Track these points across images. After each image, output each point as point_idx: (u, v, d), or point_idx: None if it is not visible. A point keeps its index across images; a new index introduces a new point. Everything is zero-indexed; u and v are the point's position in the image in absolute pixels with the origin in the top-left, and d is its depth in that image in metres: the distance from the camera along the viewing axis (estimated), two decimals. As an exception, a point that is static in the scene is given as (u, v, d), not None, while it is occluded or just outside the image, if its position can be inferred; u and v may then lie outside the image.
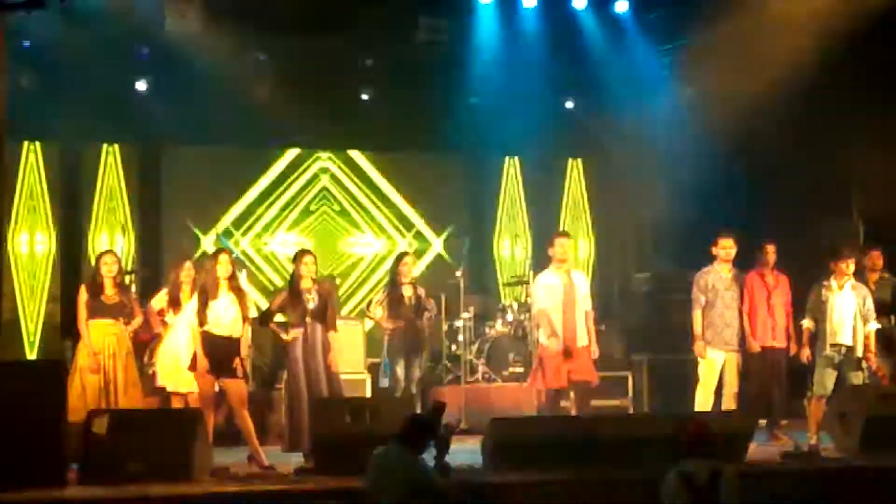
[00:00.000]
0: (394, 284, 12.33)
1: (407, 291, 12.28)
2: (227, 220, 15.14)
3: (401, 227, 15.84)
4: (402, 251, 13.19)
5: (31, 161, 14.54)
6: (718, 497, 7.32)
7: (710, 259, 11.55)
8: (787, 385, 11.74)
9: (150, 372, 11.35)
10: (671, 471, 7.39)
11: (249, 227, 15.31)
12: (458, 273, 13.35)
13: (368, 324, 13.21)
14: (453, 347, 13.58)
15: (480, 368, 13.58)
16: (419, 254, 15.24)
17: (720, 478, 7.33)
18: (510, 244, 16.18)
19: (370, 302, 12.53)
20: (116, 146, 14.86)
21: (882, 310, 11.34)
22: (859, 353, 10.98)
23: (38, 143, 14.51)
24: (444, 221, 15.76)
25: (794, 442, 10.84)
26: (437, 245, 15.87)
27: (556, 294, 10.99)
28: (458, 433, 12.17)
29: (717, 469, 7.36)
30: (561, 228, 11.94)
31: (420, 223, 15.88)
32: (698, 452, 7.43)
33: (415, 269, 12.55)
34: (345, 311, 14.88)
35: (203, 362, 9.89)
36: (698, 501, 7.26)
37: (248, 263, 14.75)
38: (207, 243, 14.87)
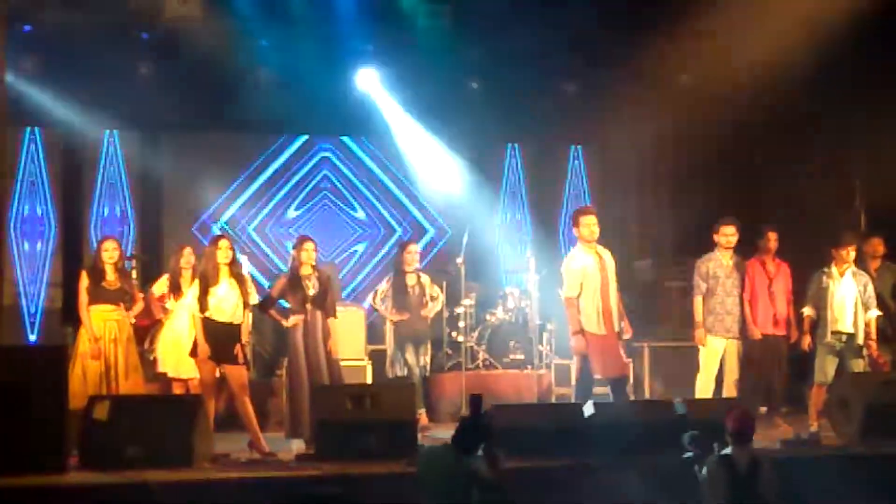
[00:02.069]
0: (397, 273, 12.30)
1: (411, 280, 12.26)
2: (226, 207, 15.12)
3: (401, 214, 15.81)
4: (405, 240, 13.12)
5: (32, 146, 14.53)
6: (757, 486, 7.36)
7: (712, 246, 11.54)
8: (788, 372, 11.74)
9: (151, 358, 11.37)
10: (713, 456, 7.44)
11: (249, 214, 15.29)
12: (459, 260, 13.33)
13: (368, 310, 13.19)
14: (454, 334, 13.56)
15: (481, 355, 13.57)
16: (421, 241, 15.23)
17: (760, 467, 7.38)
18: (511, 231, 16.15)
19: (375, 292, 12.45)
20: (117, 132, 14.84)
21: (882, 297, 11.36)
22: (860, 340, 10.99)
23: (38, 129, 14.49)
24: (445, 208, 15.71)
25: (794, 429, 10.84)
26: (436, 232, 15.84)
27: (593, 276, 10.61)
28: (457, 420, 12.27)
29: (757, 458, 7.40)
30: (583, 206, 11.29)
31: (421, 210, 15.84)
32: (740, 440, 7.47)
33: (418, 257, 12.47)
34: (346, 295, 14.88)
35: (204, 348, 9.90)
36: (737, 488, 7.30)
37: (247, 249, 14.73)
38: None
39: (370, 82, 14.73)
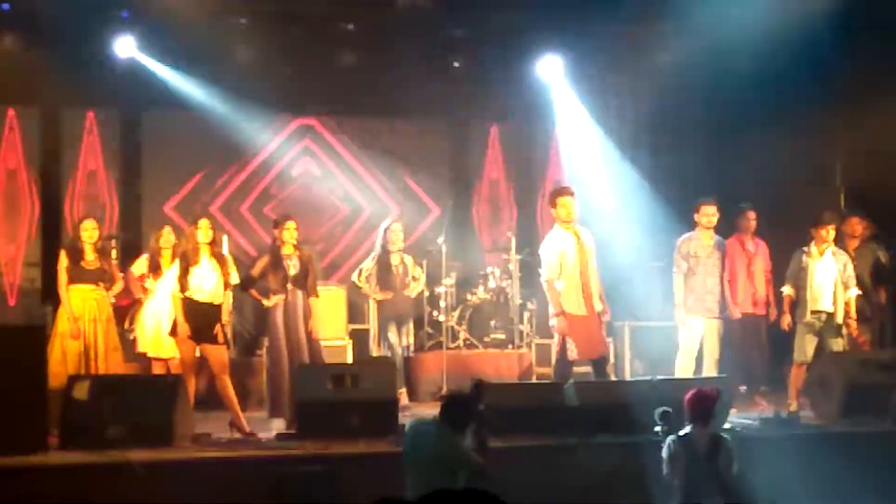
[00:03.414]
0: (382, 253, 12.28)
1: (395, 260, 12.25)
2: (207, 187, 15.05)
3: (383, 194, 15.77)
4: (388, 219, 13.10)
5: (11, 125, 14.44)
6: (717, 464, 7.45)
7: (692, 225, 11.56)
8: (768, 352, 11.78)
9: (131, 338, 11.37)
10: (674, 436, 7.53)
11: (230, 194, 15.24)
12: (440, 240, 13.32)
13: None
14: (435, 314, 13.56)
15: (462, 335, 13.58)
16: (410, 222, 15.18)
17: (719, 446, 7.47)
18: (492, 210, 16.13)
19: (360, 271, 12.42)
20: (97, 110, 14.76)
21: (862, 277, 11.40)
22: (840, 319, 11.03)
23: (17, 107, 14.40)
24: (425, 188, 15.68)
25: (774, 408, 10.89)
26: (420, 211, 15.79)
27: (572, 257, 10.64)
28: (438, 399, 12.30)
29: (716, 437, 7.50)
30: (560, 186, 11.26)
31: (402, 189, 15.80)
32: (699, 420, 7.56)
33: (402, 236, 12.44)
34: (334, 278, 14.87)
35: (184, 328, 9.89)
36: (696, 467, 7.40)
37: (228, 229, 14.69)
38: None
39: (353, 62, 14.67)
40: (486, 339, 13.62)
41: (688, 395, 7.84)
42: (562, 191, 11.04)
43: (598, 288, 10.76)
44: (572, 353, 10.59)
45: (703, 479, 7.53)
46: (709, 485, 7.52)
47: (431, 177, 15.56)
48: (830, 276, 11.04)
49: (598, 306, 10.72)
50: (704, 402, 7.76)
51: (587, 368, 11.19)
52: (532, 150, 16.30)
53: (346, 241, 15.48)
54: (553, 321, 10.71)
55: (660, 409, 7.91)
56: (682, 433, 7.68)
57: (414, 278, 12.39)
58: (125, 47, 13.73)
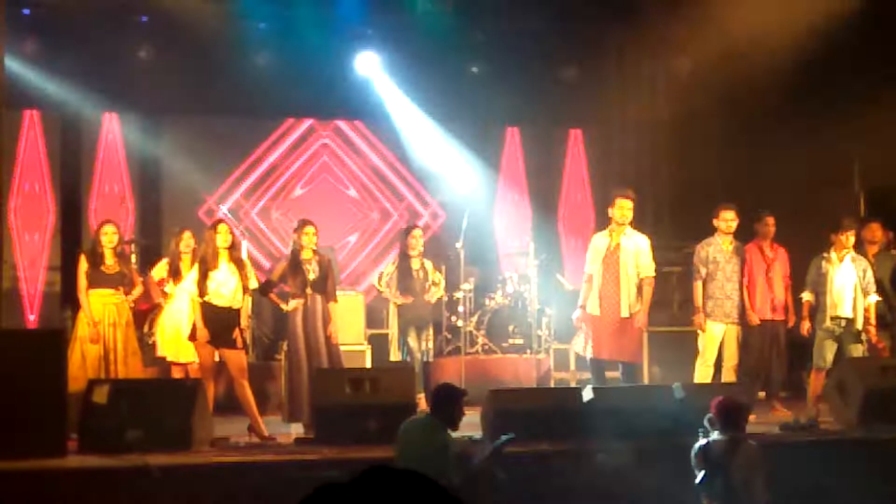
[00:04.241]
0: (402, 258, 12.32)
1: (415, 265, 12.28)
2: (226, 191, 15.09)
3: (402, 198, 15.78)
4: (409, 224, 13.10)
5: (31, 129, 14.50)
6: (731, 466, 7.54)
7: (711, 231, 11.54)
8: (787, 358, 11.74)
9: (151, 342, 11.40)
10: (698, 442, 7.67)
11: (249, 198, 15.27)
12: (458, 245, 13.32)
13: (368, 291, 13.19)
14: (453, 319, 13.56)
15: (480, 340, 13.58)
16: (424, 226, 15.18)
17: (737, 451, 7.56)
18: (510, 215, 16.11)
19: (380, 276, 12.48)
20: (116, 115, 14.80)
21: (882, 283, 11.36)
22: (859, 325, 10.99)
23: (38, 111, 14.46)
24: (444, 192, 15.68)
25: (792, 414, 10.86)
26: (436, 215, 15.81)
27: (598, 258, 10.83)
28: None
29: (735, 441, 7.58)
30: (620, 188, 11.33)
31: (420, 194, 15.81)
32: (723, 426, 7.65)
33: (422, 241, 12.47)
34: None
35: (203, 333, 9.91)
36: (712, 470, 7.52)
37: (246, 234, 14.71)
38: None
39: (370, 66, 14.69)
40: (504, 343, 13.62)
41: (715, 402, 7.88)
42: (620, 192, 11.14)
43: (642, 294, 10.80)
44: (582, 348, 10.91)
45: (720, 483, 7.59)
46: (723, 488, 7.57)
47: (449, 182, 15.54)
48: (850, 282, 11.01)
49: (624, 312, 10.75)
50: (728, 409, 7.82)
51: (607, 374, 11.21)
52: (550, 154, 16.29)
53: (362, 245, 15.50)
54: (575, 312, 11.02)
55: (708, 416, 7.98)
56: (705, 439, 7.73)
57: (434, 283, 12.42)
58: (146, 52, 13.79)
